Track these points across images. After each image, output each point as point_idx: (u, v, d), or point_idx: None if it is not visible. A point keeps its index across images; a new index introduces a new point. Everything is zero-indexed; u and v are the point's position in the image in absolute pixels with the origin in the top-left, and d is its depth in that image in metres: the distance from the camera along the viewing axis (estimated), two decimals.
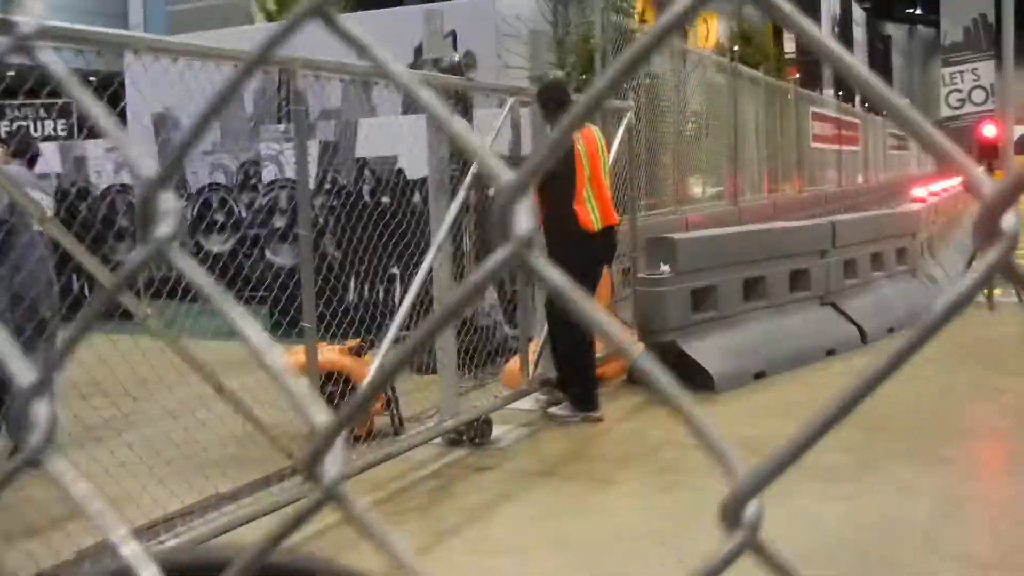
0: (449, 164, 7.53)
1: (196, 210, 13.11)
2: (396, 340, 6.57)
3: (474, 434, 7.28)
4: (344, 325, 8.21)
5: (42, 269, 7.21)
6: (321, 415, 0.74)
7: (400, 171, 11.42)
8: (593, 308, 0.68)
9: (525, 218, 0.65)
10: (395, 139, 10.58)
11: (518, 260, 0.65)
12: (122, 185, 13.69)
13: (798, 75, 31.42)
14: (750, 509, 0.69)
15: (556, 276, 0.66)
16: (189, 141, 0.80)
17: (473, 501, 6.19)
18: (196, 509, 5.47)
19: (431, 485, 6.56)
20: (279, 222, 12.08)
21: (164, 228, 0.84)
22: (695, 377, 8.74)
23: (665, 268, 8.98)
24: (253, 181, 12.84)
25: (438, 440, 7.16)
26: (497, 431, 7.47)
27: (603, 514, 5.91)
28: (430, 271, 6.98)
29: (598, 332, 0.70)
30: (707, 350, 9.03)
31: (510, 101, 8.08)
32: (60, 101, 17.26)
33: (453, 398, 7.18)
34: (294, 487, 5.55)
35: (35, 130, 17.39)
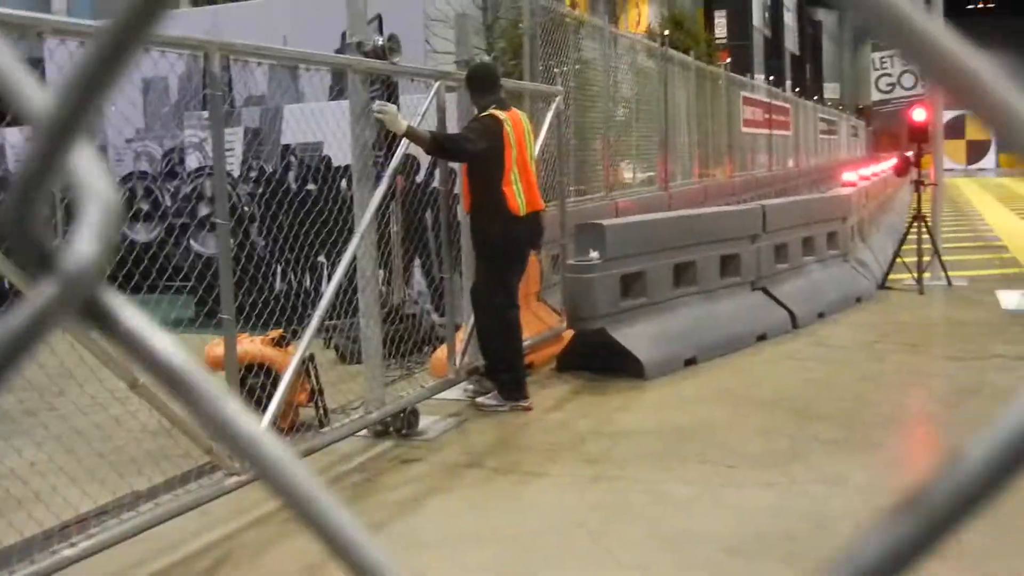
0: (373, 150, 7.39)
1: (120, 198, 12.84)
2: (319, 329, 6.43)
3: (401, 425, 7.15)
4: (270, 315, 8.05)
5: None
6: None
7: (326, 158, 11.24)
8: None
9: (87, 243, 0.49)
10: (321, 125, 10.40)
11: (73, 300, 0.50)
12: (143, 172, 13.40)
13: (729, 60, 31.57)
14: None
15: (132, 319, 0.51)
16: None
17: (400, 495, 6.06)
18: (111, 508, 5.31)
19: (357, 479, 6.42)
20: (204, 211, 11.84)
21: None
22: (625, 364, 8.68)
23: (594, 254, 8.89)
24: (178, 169, 12.60)
25: (364, 432, 7.02)
26: (424, 422, 7.35)
27: (532, 506, 5.82)
28: (354, 259, 6.85)
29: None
30: (637, 337, 8.96)
31: (435, 85, 7.96)
32: None
33: (379, 389, 7.04)
34: (215, 483, 5.41)
35: None
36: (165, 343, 0.59)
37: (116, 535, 5.05)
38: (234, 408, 0.64)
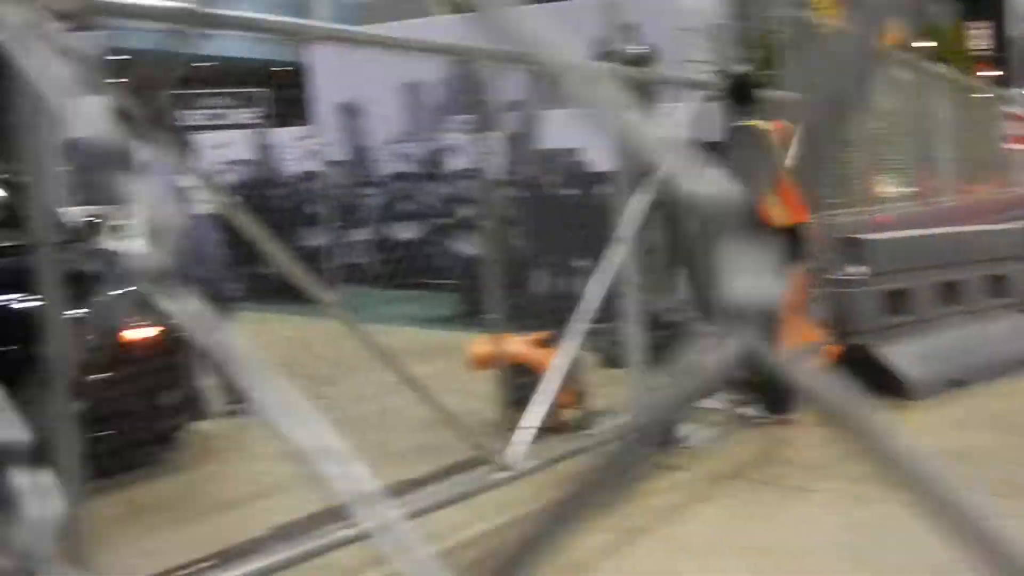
0: (635, 158, 7.39)
1: (384, 199, 13.28)
2: (582, 334, 6.46)
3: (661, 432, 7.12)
4: (527, 317, 8.15)
5: (218, 252, 7.46)
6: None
7: (586, 163, 11.31)
8: None
9: None
10: (581, 131, 10.48)
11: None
12: (309, 172, 13.95)
13: (989, 72, 30.27)
14: None
15: None
16: None
17: (661, 501, 6.04)
18: (388, 493, 5.46)
19: None
20: (464, 212, 12.10)
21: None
22: (887, 382, 8.39)
23: (860, 269, 8.65)
24: (438, 171, 12.92)
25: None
26: (686, 430, 7.29)
27: (794, 522, 5.70)
28: (615, 265, 6.85)
29: None
30: (901, 355, 8.66)
31: (693, 95, 7.90)
32: (252, 91, 17.75)
33: (642, 393, 7.02)
34: (481, 477, 5.51)
35: (227, 119, 17.92)
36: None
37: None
38: None
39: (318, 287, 5.18)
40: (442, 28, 13.44)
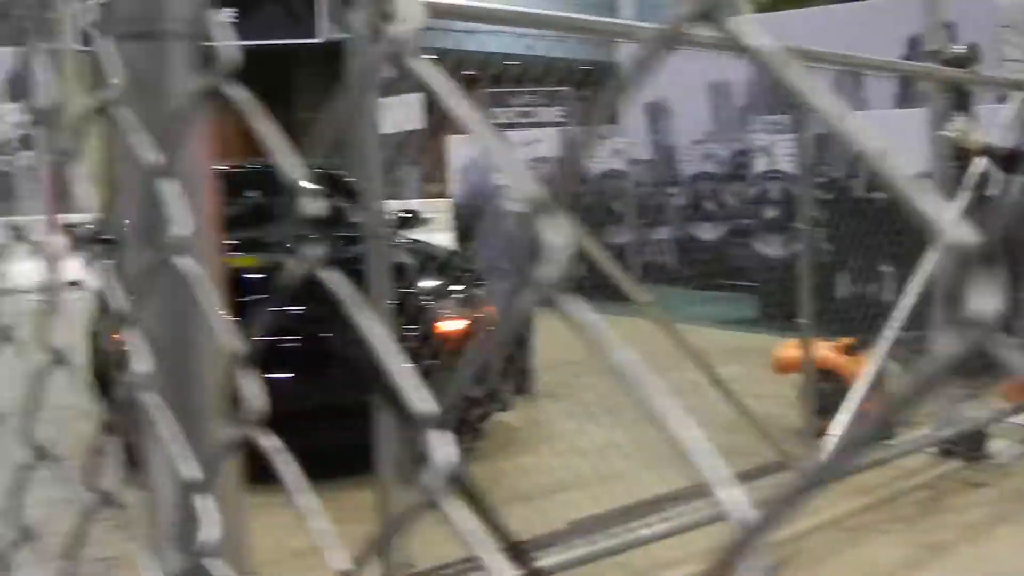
0: (948, 161, 7.16)
1: (687, 198, 13.36)
2: (894, 342, 6.34)
3: (968, 447, 6.89)
4: (832, 321, 8.04)
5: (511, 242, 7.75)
6: None
7: (896, 165, 11.01)
8: None
9: None
10: (887, 132, 10.21)
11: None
12: (614, 170, 14.15)
13: None
14: None
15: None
16: None
17: (966, 518, 5.86)
18: (682, 496, 5.54)
19: (921, 496, 6.28)
20: (769, 213, 12.01)
21: (551, 269, 0.73)
22: None
23: None
24: (742, 171, 12.87)
25: (929, 449, 6.84)
26: (994, 446, 7.03)
27: None
28: (929, 272, 6.67)
29: None
30: None
31: (1017, 95, 7.56)
32: (559, 89, 18.15)
33: (949, 406, 6.82)
34: (782, 481, 5.50)
35: (534, 117, 18.39)
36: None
37: (688, 522, 5.29)
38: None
39: (636, 287, 5.29)
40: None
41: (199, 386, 1.33)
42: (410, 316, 6.31)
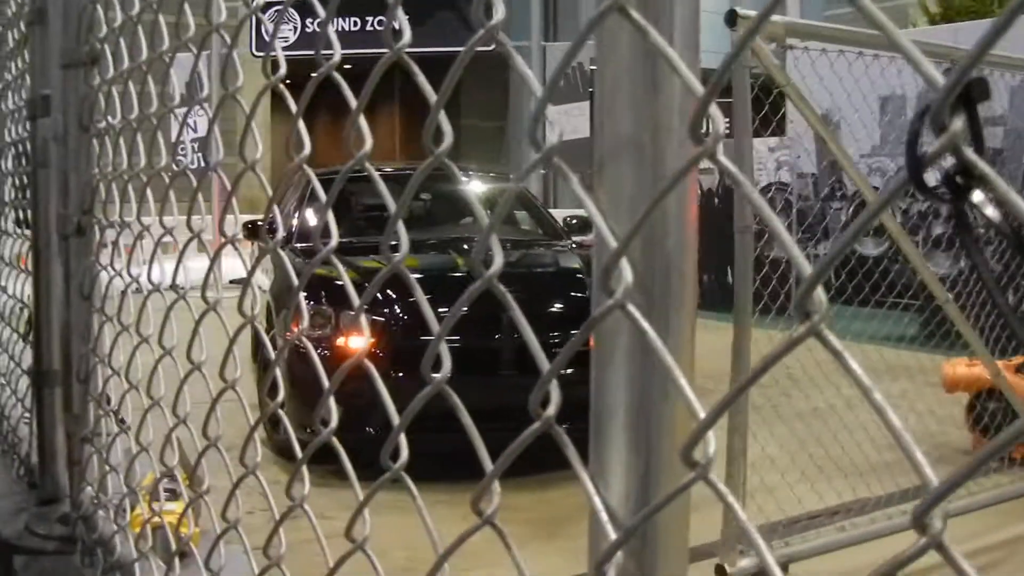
0: None
1: (850, 213, 13.05)
2: None
3: None
4: (1001, 340, 7.72)
5: None
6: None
7: None
8: None
9: None
10: None
11: None
12: (781, 183, 13.94)
13: None
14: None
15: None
16: None
17: None
18: (839, 511, 5.40)
19: None
20: (936, 229, 11.63)
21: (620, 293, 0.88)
22: None
23: None
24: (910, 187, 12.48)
25: None
26: None
27: None
28: None
29: None
30: None
31: None
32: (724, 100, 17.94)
33: None
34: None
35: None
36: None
37: (841, 539, 5.14)
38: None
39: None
40: (920, 39, 13.02)
41: None
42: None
